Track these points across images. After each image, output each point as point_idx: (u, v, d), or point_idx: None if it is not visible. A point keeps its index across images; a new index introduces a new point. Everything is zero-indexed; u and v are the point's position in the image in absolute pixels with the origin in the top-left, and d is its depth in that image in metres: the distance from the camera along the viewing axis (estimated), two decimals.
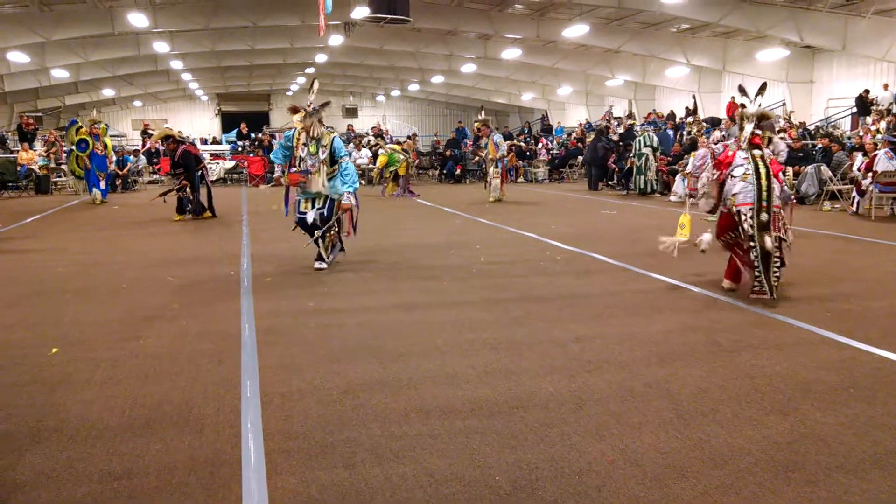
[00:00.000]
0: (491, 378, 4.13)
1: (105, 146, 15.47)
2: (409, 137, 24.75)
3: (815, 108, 22.24)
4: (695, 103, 25.55)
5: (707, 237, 6.33)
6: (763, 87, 6.23)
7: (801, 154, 14.98)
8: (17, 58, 22.71)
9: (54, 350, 4.70)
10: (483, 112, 16.64)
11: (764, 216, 5.72)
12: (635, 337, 4.92)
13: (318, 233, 7.43)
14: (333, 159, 7.42)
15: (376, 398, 3.82)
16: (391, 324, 5.34)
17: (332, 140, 7.43)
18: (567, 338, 4.91)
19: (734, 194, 5.91)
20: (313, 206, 7.41)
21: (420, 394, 3.89)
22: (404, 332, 5.11)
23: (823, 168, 13.92)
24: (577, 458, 3.12)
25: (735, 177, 5.95)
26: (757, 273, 5.79)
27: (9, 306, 6.09)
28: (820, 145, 15.79)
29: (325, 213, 7.42)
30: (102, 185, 15.52)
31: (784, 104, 22.64)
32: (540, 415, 3.59)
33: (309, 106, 7.29)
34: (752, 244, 5.76)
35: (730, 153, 6.12)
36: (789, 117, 20.90)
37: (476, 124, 14.85)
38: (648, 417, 3.54)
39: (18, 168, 19.22)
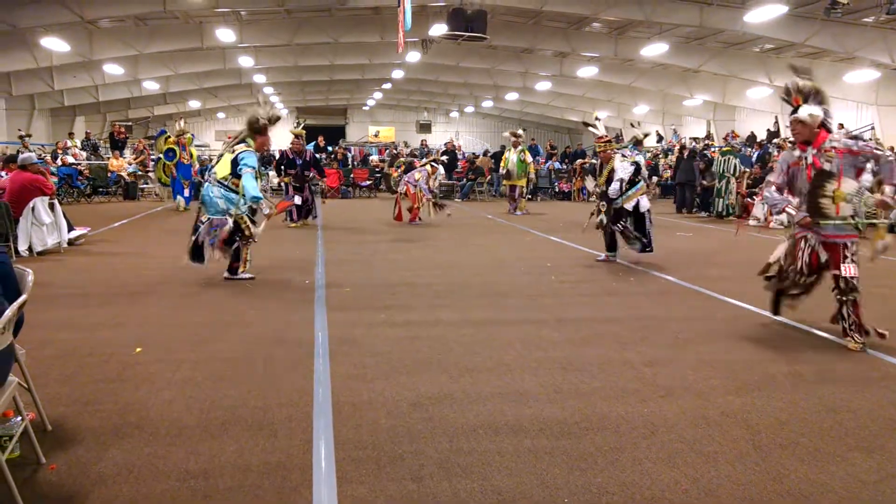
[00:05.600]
0: (560, 398, 4.09)
1: (191, 156, 16.14)
2: (484, 153, 24.88)
3: None
4: (777, 125, 24.77)
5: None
6: None
7: None
8: (112, 69, 23.93)
9: (138, 350, 4.90)
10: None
11: None
12: (711, 363, 4.78)
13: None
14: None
15: (445, 412, 3.84)
16: (461, 339, 5.35)
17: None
18: (639, 360, 4.82)
19: None
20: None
21: (489, 410, 3.88)
22: (474, 347, 5.11)
23: None
24: (649, 485, 3.05)
25: None
26: None
27: (97, 306, 6.39)
28: None
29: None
30: (186, 192, 16.13)
31: (872, 128, 21.73)
32: (610, 438, 3.53)
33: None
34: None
35: None
36: (877, 141, 20.01)
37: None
38: (724, 447, 3.44)
39: (109, 174, 20.23)
